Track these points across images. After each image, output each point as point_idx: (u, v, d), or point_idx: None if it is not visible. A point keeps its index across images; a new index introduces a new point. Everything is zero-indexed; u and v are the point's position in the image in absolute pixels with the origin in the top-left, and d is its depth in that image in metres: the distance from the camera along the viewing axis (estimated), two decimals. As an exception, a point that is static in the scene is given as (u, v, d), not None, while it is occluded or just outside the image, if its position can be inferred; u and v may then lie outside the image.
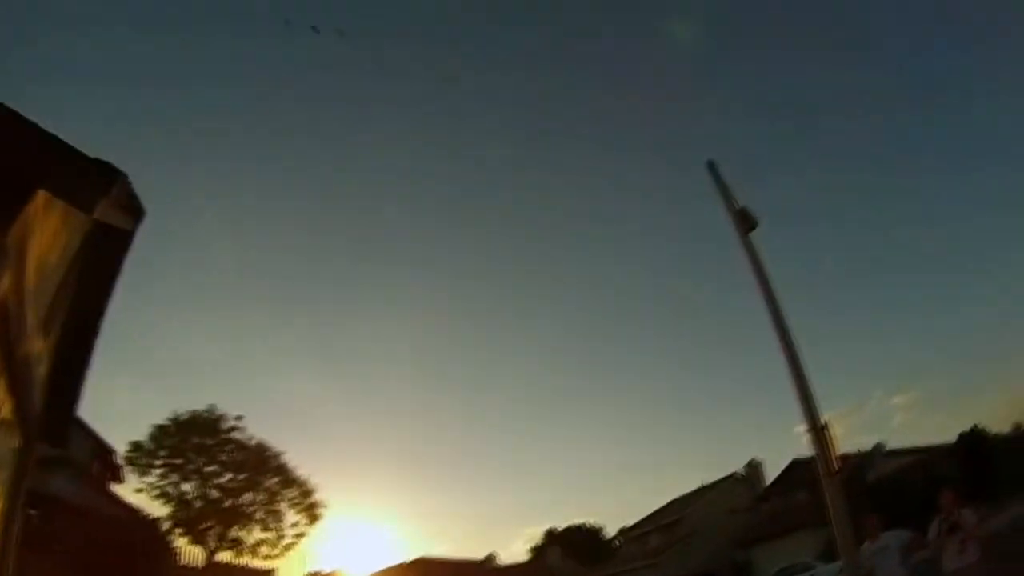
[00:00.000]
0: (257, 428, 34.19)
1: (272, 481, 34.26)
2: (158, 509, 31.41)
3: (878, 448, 39.25)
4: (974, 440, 29.25)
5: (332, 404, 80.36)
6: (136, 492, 30.89)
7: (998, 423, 32.67)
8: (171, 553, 27.23)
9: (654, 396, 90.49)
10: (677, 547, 45.54)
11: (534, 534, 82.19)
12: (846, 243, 78.42)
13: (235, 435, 33.31)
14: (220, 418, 33.10)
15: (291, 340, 77.15)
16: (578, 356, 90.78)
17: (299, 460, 35.49)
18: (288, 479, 34.63)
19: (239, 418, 33.84)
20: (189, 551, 31.96)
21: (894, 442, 41.83)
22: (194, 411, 32.60)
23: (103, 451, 30.01)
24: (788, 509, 38.87)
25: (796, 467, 40.16)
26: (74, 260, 6.85)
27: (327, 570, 36.60)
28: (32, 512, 12.54)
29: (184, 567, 29.14)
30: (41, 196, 4.65)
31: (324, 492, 36.32)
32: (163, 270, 62.36)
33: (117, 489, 30.88)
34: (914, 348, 76.82)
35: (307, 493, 35.02)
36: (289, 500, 34.72)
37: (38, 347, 7.05)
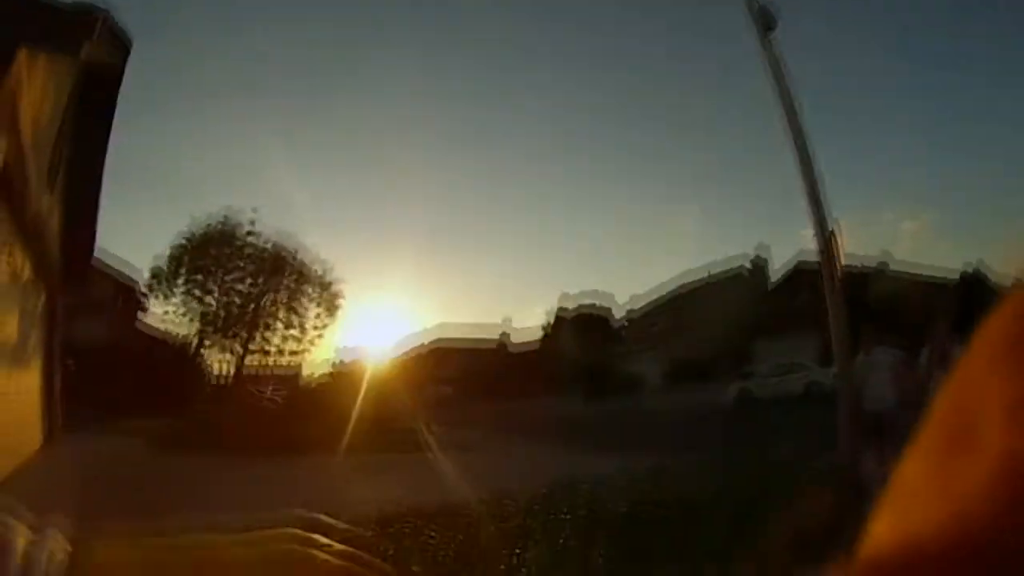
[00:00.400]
0: (271, 229, 34.54)
1: (291, 280, 35.21)
2: (185, 329, 32.77)
3: (882, 266, 39.58)
4: (975, 281, 29.51)
5: (342, 186, 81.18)
6: (163, 315, 32.05)
7: (1003, 268, 32.75)
8: (201, 369, 28.80)
9: (666, 179, 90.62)
10: (681, 334, 47.46)
11: (545, 312, 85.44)
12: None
13: (250, 240, 33.84)
14: (234, 227, 33.53)
15: (293, 126, 76.24)
16: (591, 132, 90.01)
17: (315, 252, 36.19)
18: (305, 276, 35.49)
19: (252, 223, 34.28)
20: (218, 363, 33.76)
21: (898, 264, 41.99)
22: (207, 225, 33.00)
23: (125, 286, 30.72)
24: (790, 309, 39.91)
25: (801, 269, 40.81)
26: (67, 107, 6.71)
27: (349, 360, 38.57)
28: (69, 362, 13.13)
29: (216, 377, 30.92)
30: (23, 55, 4.48)
31: (341, 282, 37.31)
32: (154, 82, 60.60)
33: (144, 319, 32.01)
34: (931, 174, 74.89)
35: (325, 286, 36.03)
36: (308, 296, 35.85)
37: (46, 202, 7.07)
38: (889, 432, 7.68)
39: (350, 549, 0.33)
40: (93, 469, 8.79)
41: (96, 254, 14.10)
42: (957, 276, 31.35)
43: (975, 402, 0.22)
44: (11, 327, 6.50)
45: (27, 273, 7.06)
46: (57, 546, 0.28)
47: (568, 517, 6.13)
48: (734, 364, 40.00)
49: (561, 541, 5.48)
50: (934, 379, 7.64)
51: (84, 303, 19.34)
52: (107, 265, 25.15)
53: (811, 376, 24.91)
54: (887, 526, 0.25)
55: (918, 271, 37.87)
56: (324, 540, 0.33)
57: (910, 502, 0.24)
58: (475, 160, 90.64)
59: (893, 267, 40.17)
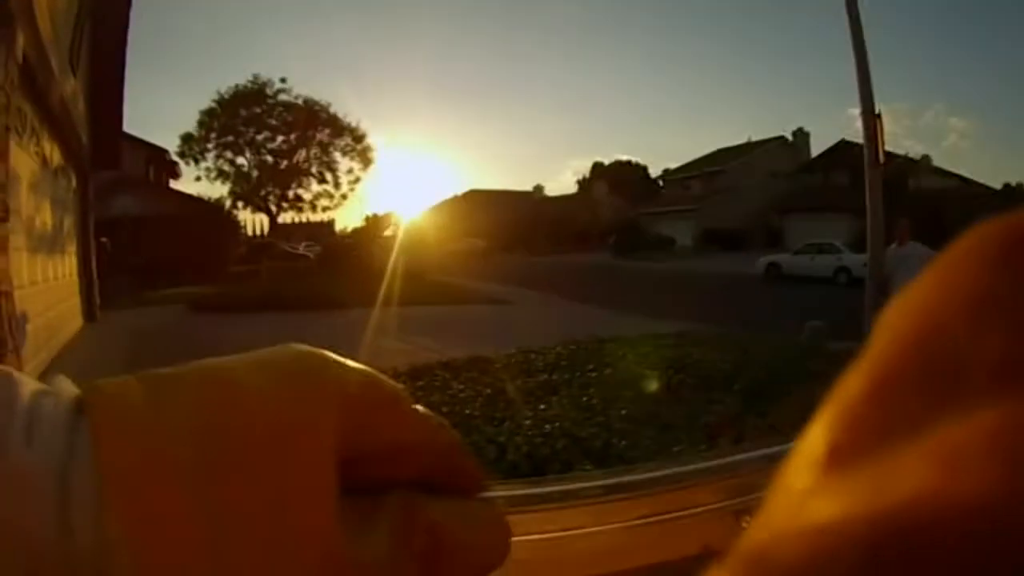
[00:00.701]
0: (302, 86, 33.99)
1: (323, 134, 34.96)
2: (218, 190, 32.94)
3: (925, 160, 37.87)
4: (1016, 194, 28.10)
5: (371, 41, 79.23)
6: (195, 181, 32.14)
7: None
8: (236, 227, 29.20)
9: (711, 39, 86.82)
10: (716, 199, 46.69)
11: (580, 167, 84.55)
12: None
13: (281, 98, 33.38)
14: (264, 85, 32.99)
15: None
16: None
17: (347, 107, 35.77)
18: (338, 128, 35.06)
19: (283, 80, 33.69)
20: (253, 220, 34.23)
21: (941, 161, 40.15)
22: (236, 85, 32.53)
23: (155, 155, 30.58)
24: (827, 188, 38.78)
25: (842, 148, 39.16)
26: (84, -9, 6.53)
27: (382, 212, 38.84)
28: (103, 240, 13.32)
29: (250, 237, 31.44)
30: (33, -54, 4.34)
31: (374, 134, 37.00)
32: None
33: (176, 185, 32.15)
34: (988, 74, 69.69)
35: (358, 138, 35.60)
36: (341, 149, 35.66)
37: (70, 87, 7.01)
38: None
39: (363, 366, 0.34)
40: (135, 341, 9.17)
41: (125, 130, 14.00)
42: (999, 186, 30.06)
43: (952, 357, 0.19)
44: (44, 215, 6.65)
45: (57, 159, 7.13)
46: (64, 388, 0.30)
47: (593, 375, 6.32)
48: (766, 236, 39.53)
49: (584, 399, 5.68)
50: None
51: (115, 178, 19.44)
52: (135, 137, 25.06)
53: (841, 260, 24.57)
54: (852, 482, 0.22)
55: (962, 172, 36.48)
56: (335, 356, 0.33)
57: (883, 462, 0.21)
58: (512, 25, 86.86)
59: (936, 164, 38.77)
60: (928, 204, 26.60)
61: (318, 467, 0.30)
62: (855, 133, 9.34)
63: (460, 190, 52.49)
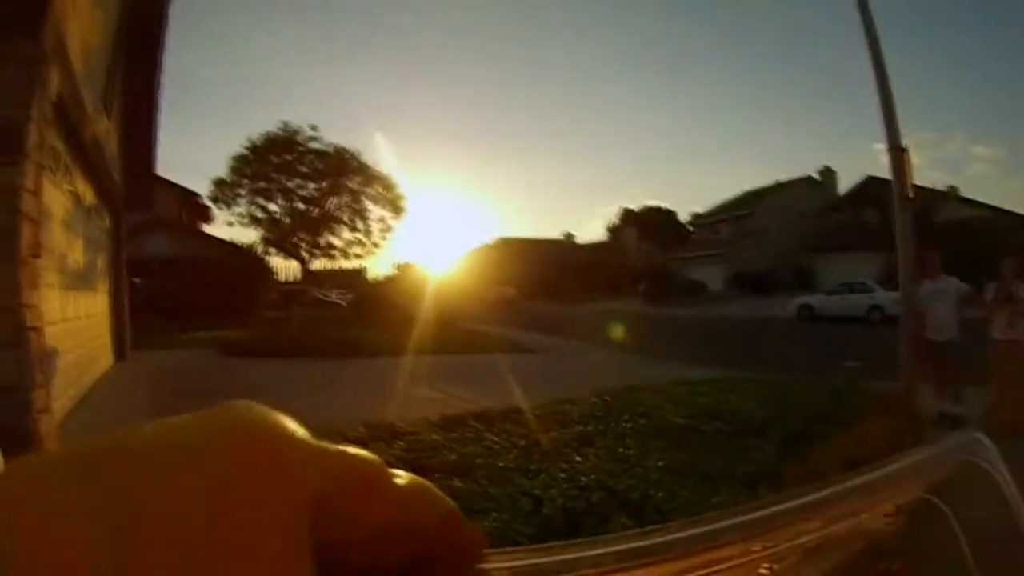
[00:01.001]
0: (333, 134, 35.07)
1: (354, 182, 35.57)
2: (250, 235, 33.56)
3: (952, 191, 38.00)
4: None
5: (405, 90, 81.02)
6: (228, 226, 32.89)
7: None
8: (268, 272, 29.57)
9: (737, 85, 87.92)
10: (746, 242, 46.62)
11: (609, 214, 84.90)
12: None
13: (312, 145, 34.12)
14: (295, 132, 33.77)
15: (352, 32, 75.47)
16: (658, 30, 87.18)
17: (378, 155, 36.69)
18: (369, 176, 35.79)
19: (314, 128, 34.45)
20: (285, 267, 34.67)
21: (967, 190, 40.51)
22: (268, 132, 33.33)
23: (188, 198, 31.34)
24: (856, 225, 38.91)
25: (870, 185, 39.53)
26: (118, 33, 6.71)
27: (413, 261, 39.20)
28: (136, 280, 13.52)
29: (282, 283, 31.80)
30: (65, -11, 4.47)
31: (404, 183, 37.59)
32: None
33: (208, 229, 32.82)
34: (1010, 100, 69.81)
35: (389, 187, 36.38)
36: (372, 197, 36.25)
37: (103, 126, 7.18)
38: (950, 364, 7.47)
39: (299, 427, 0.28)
40: (165, 382, 9.21)
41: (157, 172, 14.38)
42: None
43: None
44: (77, 252, 6.74)
45: (90, 198, 7.26)
46: None
47: (628, 426, 6.22)
48: (797, 278, 39.32)
49: (620, 450, 5.57)
50: (998, 317, 7.35)
51: (148, 219, 19.82)
52: (169, 180, 25.64)
53: (874, 298, 24.30)
54: None
55: (989, 201, 36.58)
56: (276, 416, 0.28)
57: None
58: (538, 75, 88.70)
59: (963, 194, 38.90)
60: (957, 235, 26.27)
61: (286, 540, 0.25)
62: (880, 167, 9.26)
63: (491, 238, 53.16)
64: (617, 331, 19.06)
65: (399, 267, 40.31)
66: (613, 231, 66.31)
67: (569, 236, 60.06)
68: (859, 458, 5.03)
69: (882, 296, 23.42)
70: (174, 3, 6.93)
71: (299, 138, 33.95)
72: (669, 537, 0.50)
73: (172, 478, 0.25)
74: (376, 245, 36.78)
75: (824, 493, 0.60)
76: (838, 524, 0.62)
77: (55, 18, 4.32)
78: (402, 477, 0.30)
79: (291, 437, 0.27)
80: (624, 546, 0.50)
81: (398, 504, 0.30)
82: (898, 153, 8.75)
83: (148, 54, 7.55)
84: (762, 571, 0.55)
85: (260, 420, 0.27)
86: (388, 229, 36.83)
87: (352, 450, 0.29)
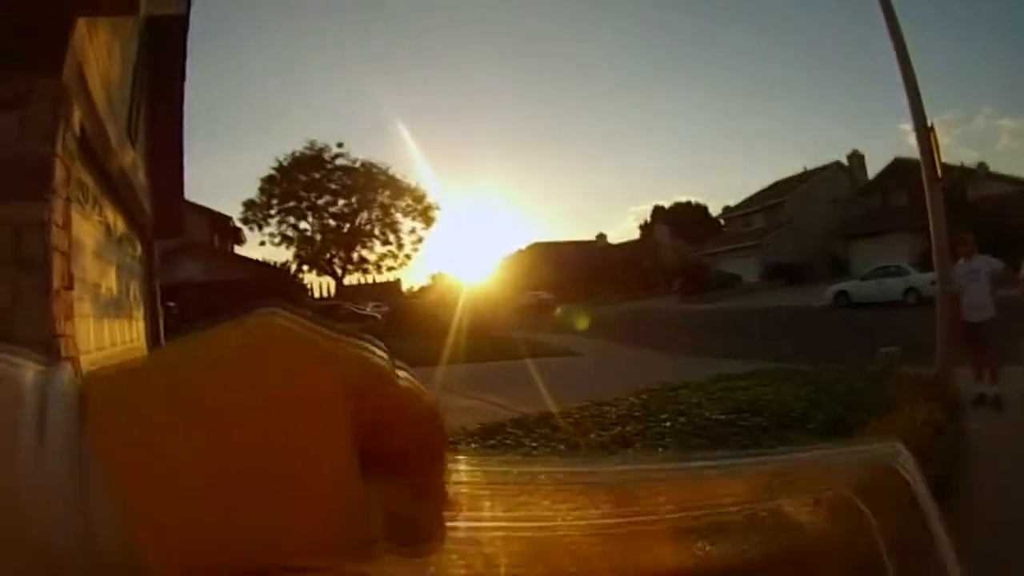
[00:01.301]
0: (360, 149, 35.58)
1: (383, 195, 35.82)
2: (283, 255, 34.03)
3: (982, 168, 37.18)
4: None
5: (431, 98, 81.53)
6: (260, 246, 33.42)
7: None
8: (303, 290, 29.93)
9: (760, 75, 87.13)
10: (778, 232, 46.11)
11: (641, 212, 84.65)
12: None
13: (340, 162, 34.41)
14: (322, 150, 34.12)
15: (375, 40, 75.97)
16: (682, 26, 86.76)
17: (406, 168, 37.15)
18: (399, 189, 36.04)
19: (340, 145, 34.81)
20: (319, 283, 35.07)
21: (997, 165, 39.52)
22: (294, 152, 33.74)
23: (219, 221, 31.84)
24: (887, 209, 38.42)
25: (898, 166, 38.90)
26: (138, 64, 6.86)
27: (447, 271, 39.37)
28: (170, 304, 13.76)
29: (317, 299, 32.13)
30: (82, 24, 4.59)
31: (435, 194, 37.82)
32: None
33: (240, 250, 33.28)
34: None
35: (419, 198, 36.60)
36: (403, 210, 36.50)
37: (129, 157, 7.34)
38: (987, 345, 7.30)
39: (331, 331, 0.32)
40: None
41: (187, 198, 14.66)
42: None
43: None
44: (110, 281, 6.89)
45: (120, 227, 7.43)
46: (67, 375, 0.30)
47: (667, 425, 6.18)
48: (832, 265, 38.74)
49: (659, 450, 5.54)
50: None
51: (181, 244, 20.10)
52: (199, 204, 26.04)
53: (909, 281, 23.86)
54: None
55: (1019, 175, 35.75)
56: (304, 320, 0.33)
57: None
58: (559, 78, 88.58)
59: (992, 170, 38.03)
60: (989, 213, 25.69)
61: (333, 424, 0.30)
62: (908, 148, 9.12)
63: (523, 244, 53.07)
64: (654, 329, 18.96)
65: (433, 277, 40.51)
66: (645, 229, 65.96)
67: (602, 236, 59.91)
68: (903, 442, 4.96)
69: (917, 278, 22.99)
70: (192, 29, 7.11)
71: (326, 155, 34.36)
72: (603, 468, 0.55)
73: (230, 379, 0.30)
74: (408, 257, 37.10)
75: (748, 461, 0.63)
76: (759, 504, 0.64)
77: (74, 55, 4.44)
78: (402, 368, 0.34)
79: (324, 337, 0.32)
80: (570, 469, 0.55)
81: (405, 397, 0.34)
82: (925, 133, 8.64)
83: (170, 83, 7.70)
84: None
85: (294, 324, 0.32)
86: (420, 240, 37.11)
87: (367, 345, 0.33)
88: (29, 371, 0.30)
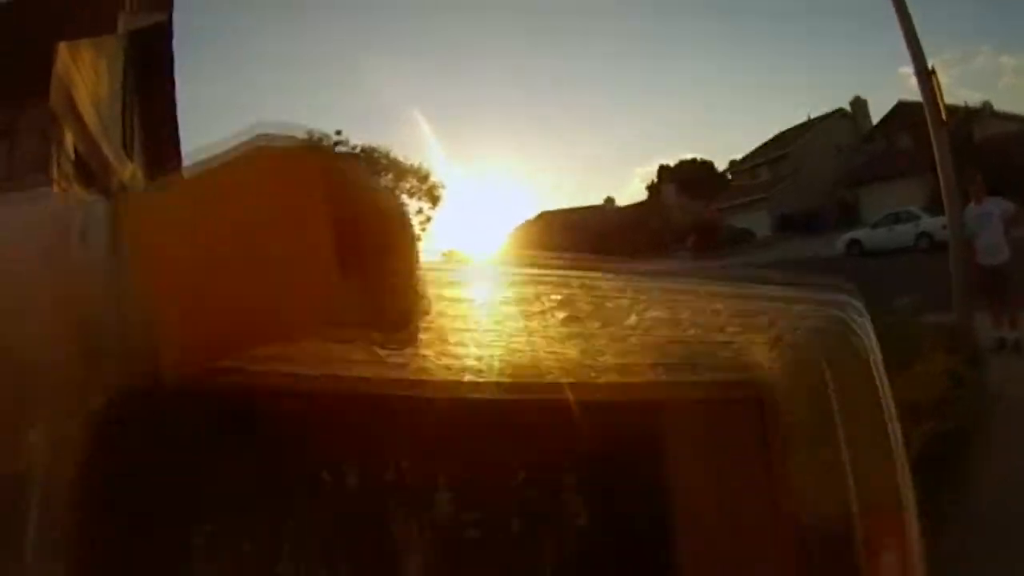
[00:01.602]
0: (361, 135, 35.66)
1: (387, 179, 35.63)
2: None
3: (986, 107, 36.38)
4: None
5: (430, 73, 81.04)
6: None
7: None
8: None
9: (755, 25, 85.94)
10: (786, 183, 45.72)
11: (647, 173, 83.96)
12: None
13: (339, 150, 34.15)
14: (319, 140, 33.91)
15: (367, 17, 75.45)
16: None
17: (408, 149, 37.17)
18: (402, 171, 35.79)
19: (339, 132, 34.57)
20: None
21: (1001, 104, 38.46)
22: (293, 141, 33.50)
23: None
24: (893, 153, 37.89)
25: (901, 110, 38.25)
26: (126, 78, 6.84)
27: (457, 248, 39.45)
28: None
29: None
30: (64, 48, 4.57)
31: (440, 172, 37.68)
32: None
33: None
34: None
35: (423, 178, 36.35)
36: (407, 192, 36.30)
37: (128, 171, 7.35)
38: (1004, 288, 7.21)
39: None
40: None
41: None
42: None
43: None
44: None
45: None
46: (103, 201, 0.37)
47: None
48: (842, 212, 38.34)
49: None
50: None
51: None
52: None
53: (921, 226, 23.58)
54: None
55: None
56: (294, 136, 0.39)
57: None
58: (557, 42, 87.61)
59: (996, 108, 37.21)
60: (996, 153, 25.29)
61: (315, 221, 0.36)
62: (909, 90, 8.99)
63: (532, 214, 52.83)
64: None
65: (444, 256, 40.51)
66: (652, 189, 65.49)
67: (610, 200, 59.52)
68: (919, 397, 4.92)
69: (929, 222, 22.70)
70: (176, 31, 7.05)
71: (324, 143, 34.20)
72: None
73: (229, 187, 0.37)
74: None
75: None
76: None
77: (60, 79, 4.43)
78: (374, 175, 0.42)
79: (308, 149, 0.39)
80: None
81: (376, 195, 0.42)
82: (926, 76, 8.52)
83: (160, 90, 7.68)
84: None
85: (282, 141, 0.39)
86: (428, 220, 36.93)
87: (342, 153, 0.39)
88: (75, 199, 0.38)
